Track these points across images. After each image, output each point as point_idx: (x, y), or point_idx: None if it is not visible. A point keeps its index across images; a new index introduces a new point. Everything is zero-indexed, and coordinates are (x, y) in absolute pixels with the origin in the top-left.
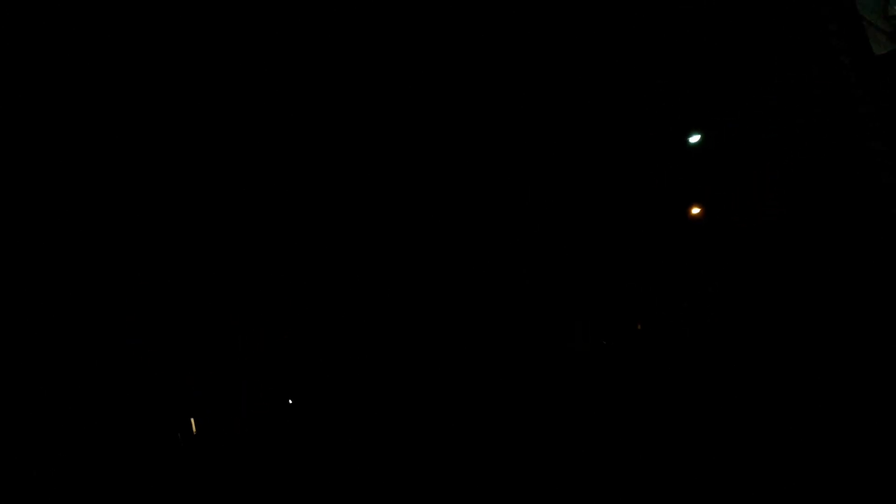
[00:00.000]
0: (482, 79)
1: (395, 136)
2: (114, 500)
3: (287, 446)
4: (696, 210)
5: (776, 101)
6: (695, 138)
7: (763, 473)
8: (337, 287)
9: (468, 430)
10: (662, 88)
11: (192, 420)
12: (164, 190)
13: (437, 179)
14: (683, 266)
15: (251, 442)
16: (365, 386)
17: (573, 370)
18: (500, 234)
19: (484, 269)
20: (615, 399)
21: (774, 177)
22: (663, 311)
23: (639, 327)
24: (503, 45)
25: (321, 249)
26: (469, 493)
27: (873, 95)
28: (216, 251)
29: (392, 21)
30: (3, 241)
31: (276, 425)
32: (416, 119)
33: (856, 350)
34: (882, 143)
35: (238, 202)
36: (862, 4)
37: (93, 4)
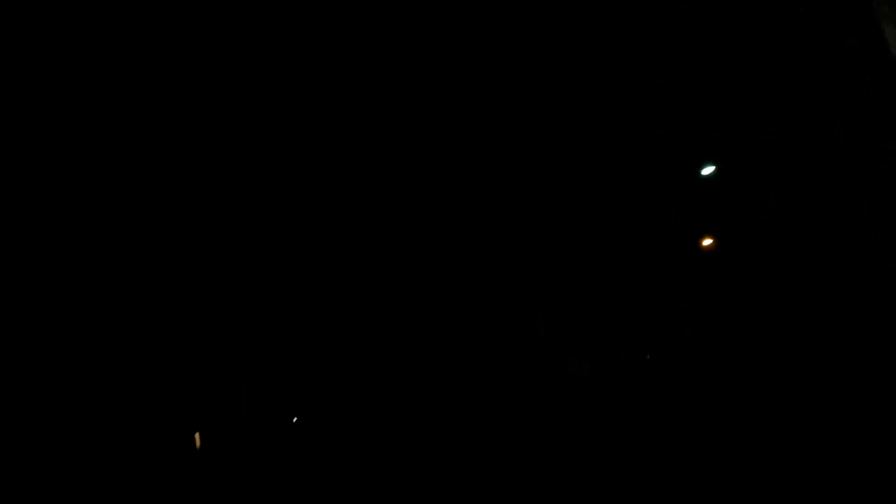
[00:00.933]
0: (481, 79)
1: (394, 137)
2: (114, 500)
3: (287, 446)
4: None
5: (776, 101)
6: (708, 170)
7: (765, 475)
8: (337, 287)
9: (467, 431)
10: (662, 88)
11: (196, 435)
12: (164, 190)
13: (437, 181)
14: (683, 266)
15: (251, 442)
16: (364, 386)
17: (573, 370)
18: (501, 235)
19: (484, 269)
20: (615, 400)
21: (774, 176)
22: (664, 312)
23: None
24: (503, 46)
25: (321, 249)
26: (468, 493)
27: (886, 95)
28: (216, 251)
29: (392, 21)
30: (3, 241)
31: (276, 425)
32: (417, 120)
33: (856, 350)
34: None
35: (238, 202)
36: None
37: (93, 4)
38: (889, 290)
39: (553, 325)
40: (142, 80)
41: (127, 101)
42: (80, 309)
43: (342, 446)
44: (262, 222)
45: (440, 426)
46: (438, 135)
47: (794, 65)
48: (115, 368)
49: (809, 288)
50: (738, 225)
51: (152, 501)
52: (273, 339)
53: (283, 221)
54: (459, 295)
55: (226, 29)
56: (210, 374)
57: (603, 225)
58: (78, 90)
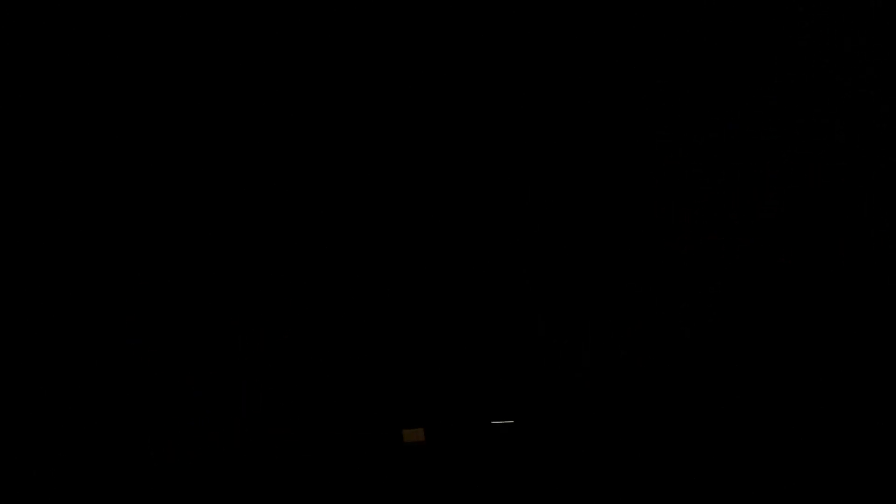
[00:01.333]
0: (480, 78)
1: (393, 136)
2: (114, 500)
3: (287, 447)
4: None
5: (776, 101)
6: None
7: (765, 475)
8: (336, 287)
9: (467, 431)
10: (662, 88)
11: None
12: (163, 189)
13: (436, 181)
14: (683, 266)
15: (251, 442)
16: (364, 386)
17: (571, 371)
18: (501, 235)
19: (483, 269)
20: (614, 401)
21: (774, 176)
22: (663, 310)
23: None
24: (502, 46)
25: (320, 249)
26: (468, 493)
27: (887, 95)
28: (215, 251)
29: (392, 21)
30: (3, 240)
31: (276, 425)
32: (416, 119)
33: (856, 350)
34: None
35: (237, 201)
36: None
37: (92, 4)
38: (889, 289)
39: (553, 325)
40: (141, 79)
41: (127, 100)
42: (80, 309)
43: (342, 446)
44: (262, 222)
45: (440, 426)
46: (437, 134)
47: (794, 65)
48: (115, 368)
49: (810, 288)
50: (739, 225)
51: (152, 502)
52: (273, 339)
53: (283, 221)
54: (459, 294)
55: (226, 28)
56: (210, 374)
57: (603, 224)
58: (78, 90)
